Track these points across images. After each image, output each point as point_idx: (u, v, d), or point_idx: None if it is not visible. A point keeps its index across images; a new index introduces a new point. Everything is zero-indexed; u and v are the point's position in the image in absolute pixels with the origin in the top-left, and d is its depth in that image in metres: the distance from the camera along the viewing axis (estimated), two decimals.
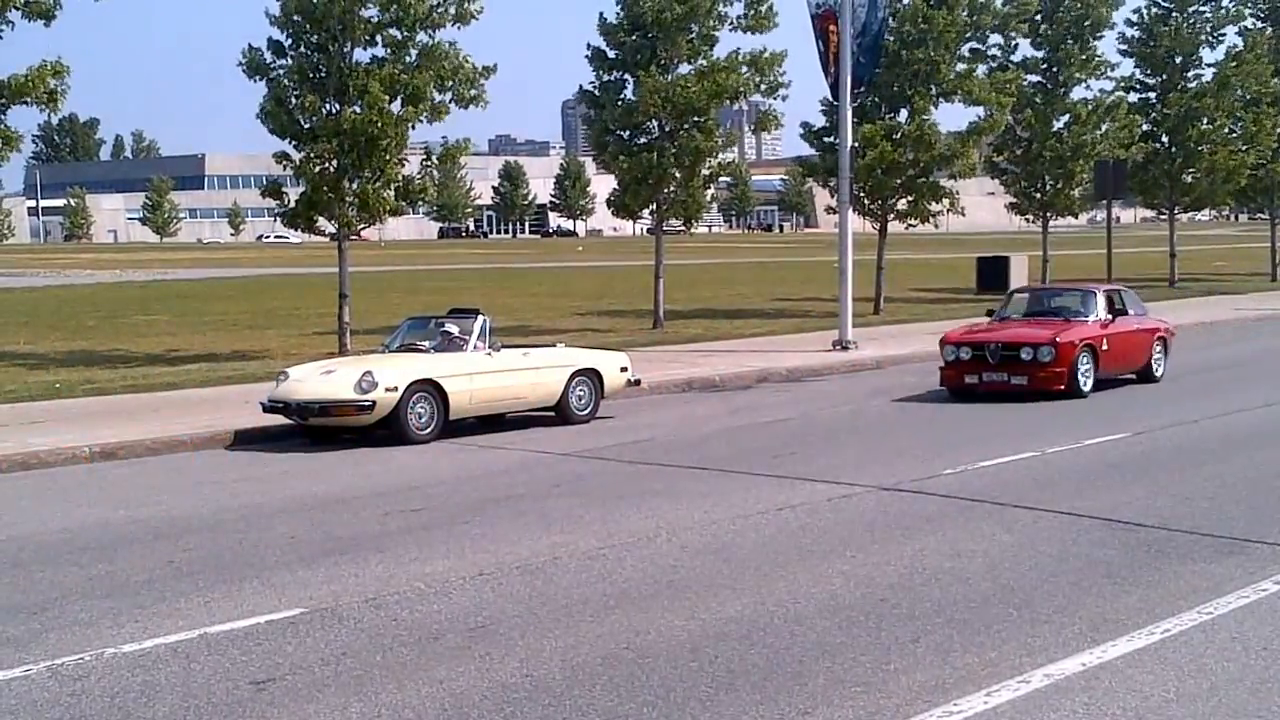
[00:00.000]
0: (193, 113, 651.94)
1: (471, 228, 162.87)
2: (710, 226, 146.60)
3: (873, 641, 7.36)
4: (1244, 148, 44.54)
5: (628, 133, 29.59)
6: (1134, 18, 44.57)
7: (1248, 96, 44.84)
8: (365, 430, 15.62)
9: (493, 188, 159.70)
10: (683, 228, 33.37)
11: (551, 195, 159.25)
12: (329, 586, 8.83)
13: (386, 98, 22.41)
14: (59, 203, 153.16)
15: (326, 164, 23.19)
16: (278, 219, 25.58)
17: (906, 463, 13.25)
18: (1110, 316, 19.13)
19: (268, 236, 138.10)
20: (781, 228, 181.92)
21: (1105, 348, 18.55)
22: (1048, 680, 6.67)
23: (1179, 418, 16.02)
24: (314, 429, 15.81)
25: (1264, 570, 8.72)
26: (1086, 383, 18.12)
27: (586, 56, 29.78)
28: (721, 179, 37.01)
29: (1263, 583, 8.41)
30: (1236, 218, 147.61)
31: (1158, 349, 20.02)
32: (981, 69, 35.32)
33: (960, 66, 33.57)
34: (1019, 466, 12.97)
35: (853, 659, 7.06)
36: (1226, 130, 44.23)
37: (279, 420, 15.82)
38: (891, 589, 8.46)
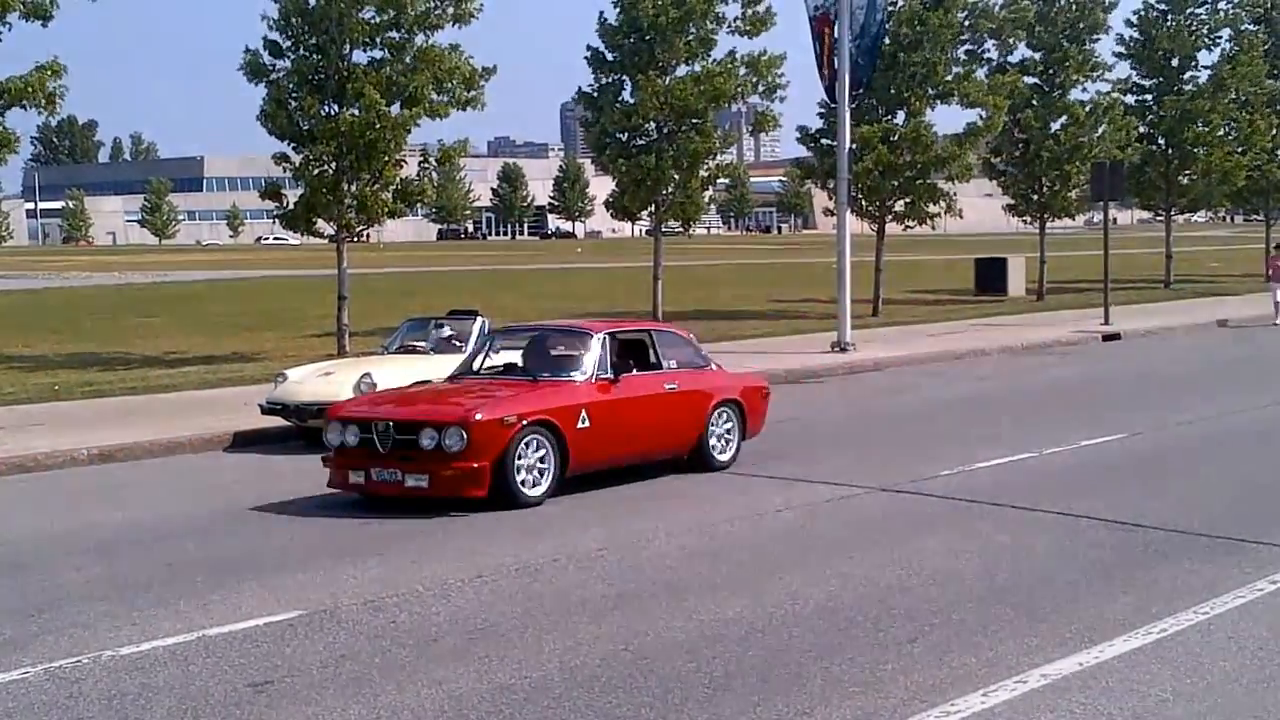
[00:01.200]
0: (192, 115, 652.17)
1: (470, 229, 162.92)
2: (709, 228, 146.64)
3: (870, 642, 7.38)
4: (1239, 149, 44.64)
5: (626, 135, 29.60)
6: (1132, 18, 44.66)
7: (1243, 98, 44.96)
8: None
9: (491, 189, 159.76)
10: (681, 229, 33.40)
11: (550, 197, 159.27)
12: (327, 588, 8.83)
13: (382, 101, 22.39)
14: (57, 205, 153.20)
15: (325, 166, 23.19)
16: (276, 221, 25.57)
17: (904, 463, 13.25)
18: (612, 375, 12.39)
19: (266, 238, 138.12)
20: (780, 229, 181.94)
21: (587, 424, 11.92)
22: (1045, 680, 6.69)
23: (1176, 419, 16.04)
24: (312, 431, 15.78)
25: (1260, 570, 8.74)
26: (538, 484, 11.51)
27: (585, 58, 29.81)
28: (720, 180, 37.00)
29: (1258, 583, 8.43)
30: (1232, 219, 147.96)
31: (719, 421, 13.29)
32: (980, 71, 35.33)
33: (957, 69, 33.59)
34: (1016, 467, 12.98)
35: (850, 660, 7.08)
36: (1222, 132, 44.32)
37: (277, 422, 15.82)
38: (889, 590, 8.47)
